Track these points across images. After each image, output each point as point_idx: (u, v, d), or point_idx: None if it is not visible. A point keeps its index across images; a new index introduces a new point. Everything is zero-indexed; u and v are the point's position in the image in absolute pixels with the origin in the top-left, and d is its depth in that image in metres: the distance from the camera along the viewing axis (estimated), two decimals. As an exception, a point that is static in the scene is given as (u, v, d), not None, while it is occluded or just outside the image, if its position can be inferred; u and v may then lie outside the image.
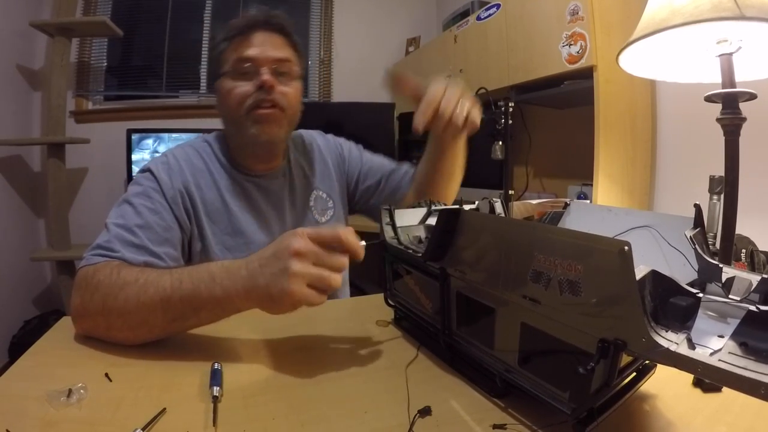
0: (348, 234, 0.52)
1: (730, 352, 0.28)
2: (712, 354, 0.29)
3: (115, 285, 0.57)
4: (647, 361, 0.44)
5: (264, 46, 0.79)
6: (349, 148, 1.03)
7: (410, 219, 0.68)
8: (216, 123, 0.86)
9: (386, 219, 0.65)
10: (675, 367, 0.30)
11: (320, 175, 0.96)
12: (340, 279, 0.51)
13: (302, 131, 1.01)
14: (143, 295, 0.55)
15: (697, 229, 0.46)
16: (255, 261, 0.53)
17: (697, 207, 0.48)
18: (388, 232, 0.64)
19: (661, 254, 0.52)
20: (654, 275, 0.35)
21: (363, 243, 0.56)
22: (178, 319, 0.56)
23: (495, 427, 0.41)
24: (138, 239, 0.67)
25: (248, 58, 0.78)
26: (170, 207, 0.74)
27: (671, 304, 0.35)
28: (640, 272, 0.33)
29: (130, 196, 0.73)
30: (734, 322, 0.33)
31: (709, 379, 0.29)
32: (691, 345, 0.31)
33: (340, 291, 0.93)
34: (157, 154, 0.83)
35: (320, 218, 0.93)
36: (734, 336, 0.30)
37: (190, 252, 0.79)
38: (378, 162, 1.02)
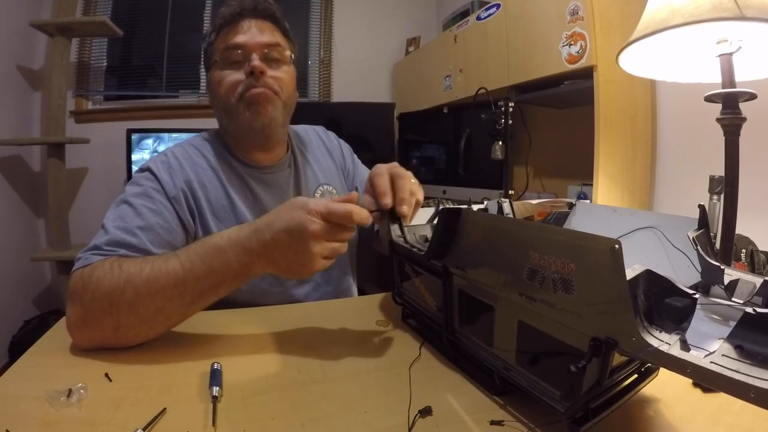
0: (355, 210, 0.54)
1: (723, 355, 0.28)
2: (706, 356, 0.29)
3: (119, 278, 0.55)
4: (649, 364, 0.44)
5: (252, 33, 0.77)
6: (346, 147, 1.04)
7: (417, 218, 0.68)
8: (216, 123, 0.85)
9: (394, 218, 0.65)
10: (665, 367, 0.30)
11: (326, 169, 0.95)
12: (346, 246, 0.57)
13: (305, 126, 1.01)
14: (154, 283, 0.54)
15: (701, 231, 0.46)
16: (265, 232, 0.55)
17: (702, 208, 0.47)
18: (395, 231, 0.64)
19: (665, 256, 0.52)
20: (648, 275, 0.35)
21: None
22: (196, 300, 0.56)
23: (492, 423, 0.41)
24: (138, 240, 0.64)
25: (236, 45, 0.76)
26: (173, 207, 0.72)
27: (666, 304, 0.35)
28: (633, 271, 0.33)
29: (129, 196, 0.70)
30: (735, 326, 0.33)
31: (698, 380, 0.29)
32: (685, 346, 0.31)
33: (348, 291, 0.93)
34: (156, 154, 0.81)
35: None
36: (730, 338, 0.29)
37: None
38: (361, 168, 1.04)
